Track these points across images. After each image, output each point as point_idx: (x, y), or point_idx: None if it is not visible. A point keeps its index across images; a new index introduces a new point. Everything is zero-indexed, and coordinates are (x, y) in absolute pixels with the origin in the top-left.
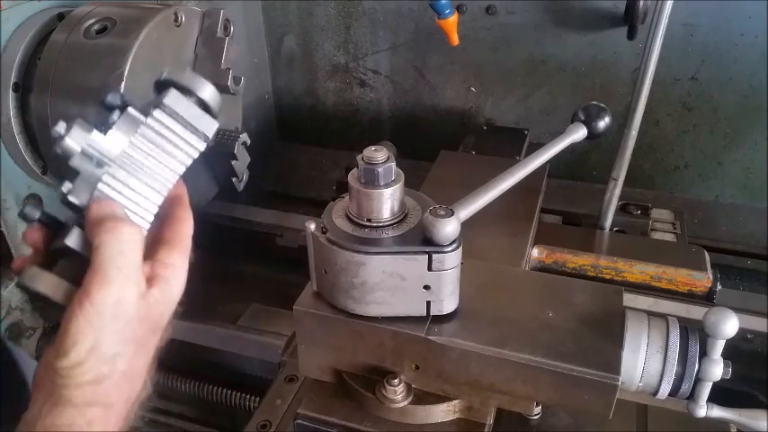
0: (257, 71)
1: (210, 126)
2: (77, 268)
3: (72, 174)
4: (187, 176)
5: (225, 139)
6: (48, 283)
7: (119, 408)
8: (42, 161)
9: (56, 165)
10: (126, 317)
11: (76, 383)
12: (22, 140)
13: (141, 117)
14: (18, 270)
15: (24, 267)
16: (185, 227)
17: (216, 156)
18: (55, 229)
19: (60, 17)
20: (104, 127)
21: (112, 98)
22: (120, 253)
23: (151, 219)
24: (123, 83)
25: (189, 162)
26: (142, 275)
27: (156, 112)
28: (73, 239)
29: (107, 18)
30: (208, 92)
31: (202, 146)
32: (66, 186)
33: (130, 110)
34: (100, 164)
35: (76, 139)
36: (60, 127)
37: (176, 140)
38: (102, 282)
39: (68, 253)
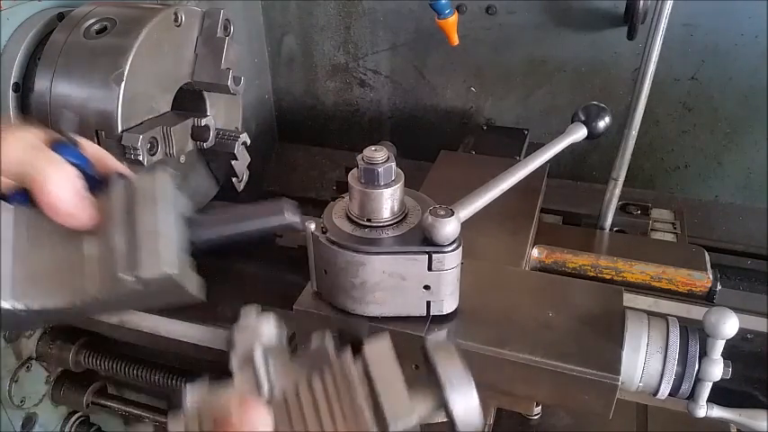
0: (257, 71)
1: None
2: None
3: None
4: (187, 176)
5: (225, 139)
6: None
7: None
8: None
9: None
10: None
11: None
12: None
13: None
14: None
15: None
16: None
17: (216, 156)
18: None
19: (60, 17)
20: None
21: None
22: None
23: None
24: (123, 83)
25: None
26: None
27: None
28: None
29: (107, 18)
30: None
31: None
32: None
33: None
34: None
35: None
36: None
37: None
38: None
39: None
